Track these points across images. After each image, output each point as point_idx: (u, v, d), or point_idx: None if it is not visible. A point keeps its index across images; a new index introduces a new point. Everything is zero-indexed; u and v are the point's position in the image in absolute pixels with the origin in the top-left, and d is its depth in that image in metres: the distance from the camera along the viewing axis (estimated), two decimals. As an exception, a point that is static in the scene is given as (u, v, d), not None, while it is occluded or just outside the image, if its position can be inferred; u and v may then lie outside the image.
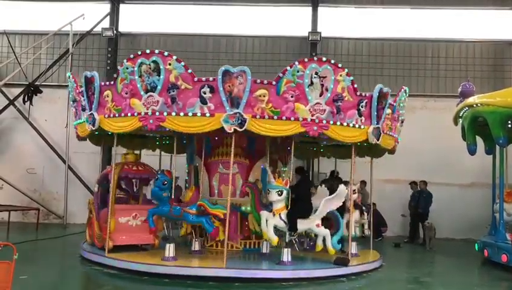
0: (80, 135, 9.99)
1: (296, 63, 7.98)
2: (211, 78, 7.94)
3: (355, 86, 8.52)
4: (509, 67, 15.56)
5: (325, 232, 8.69)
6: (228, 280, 7.76)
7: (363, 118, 8.67)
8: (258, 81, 7.95)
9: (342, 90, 8.28)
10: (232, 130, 7.87)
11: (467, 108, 11.04)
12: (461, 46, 15.77)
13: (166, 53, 8.01)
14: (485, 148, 11.68)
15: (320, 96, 8.11)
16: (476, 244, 11.15)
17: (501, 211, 10.80)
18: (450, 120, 12.09)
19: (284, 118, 8.00)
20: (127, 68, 8.20)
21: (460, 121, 11.61)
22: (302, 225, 8.55)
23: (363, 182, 12.85)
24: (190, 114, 7.95)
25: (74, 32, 15.46)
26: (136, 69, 8.07)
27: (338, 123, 8.37)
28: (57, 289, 7.82)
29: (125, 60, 8.32)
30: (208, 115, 7.93)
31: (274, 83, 7.97)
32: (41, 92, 15.24)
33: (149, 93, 8.02)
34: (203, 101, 7.91)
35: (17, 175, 15.35)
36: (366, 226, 10.57)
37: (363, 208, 10.50)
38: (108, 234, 8.76)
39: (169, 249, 8.40)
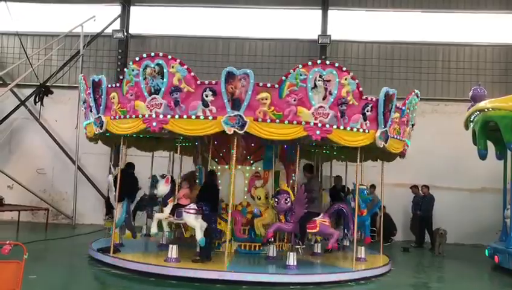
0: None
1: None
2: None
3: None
4: (521, 72, 15.43)
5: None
6: (233, 283, 7.76)
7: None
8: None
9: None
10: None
11: (478, 112, 10.95)
12: (472, 50, 15.65)
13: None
14: (496, 153, 11.59)
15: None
16: (487, 250, 11.02)
17: (512, 217, 10.70)
18: (461, 124, 12.00)
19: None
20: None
21: (471, 126, 11.51)
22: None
23: (373, 186, 12.78)
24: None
25: (85, 34, 15.60)
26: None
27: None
28: (65, 289, 7.85)
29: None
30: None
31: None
32: (52, 93, 15.38)
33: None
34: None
35: (27, 175, 15.46)
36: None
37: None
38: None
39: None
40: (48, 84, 15.39)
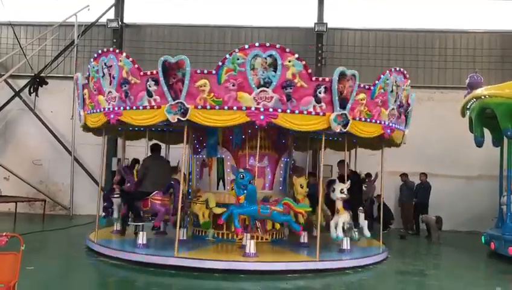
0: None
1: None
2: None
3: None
4: (517, 59, 15.40)
5: None
6: (235, 272, 7.79)
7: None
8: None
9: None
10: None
11: (474, 100, 10.94)
12: (469, 37, 15.60)
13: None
14: (492, 140, 11.61)
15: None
16: (483, 237, 11.10)
17: (508, 204, 10.71)
18: (457, 112, 12.00)
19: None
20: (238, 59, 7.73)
21: (468, 113, 11.52)
22: None
23: (369, 175, 12.83)
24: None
25: (79, 23, 15.47)
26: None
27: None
28: (63, 279, 7.84)
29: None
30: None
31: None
32: (46, 83, 15.26)
33: None
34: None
35: (23, 166, 15.42)
36: None
37: None
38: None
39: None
40: (42, 74, 15.28)
